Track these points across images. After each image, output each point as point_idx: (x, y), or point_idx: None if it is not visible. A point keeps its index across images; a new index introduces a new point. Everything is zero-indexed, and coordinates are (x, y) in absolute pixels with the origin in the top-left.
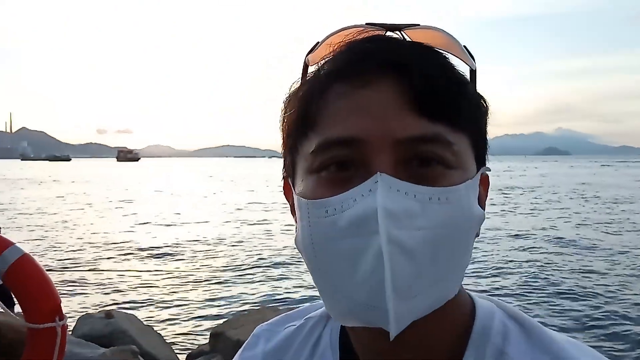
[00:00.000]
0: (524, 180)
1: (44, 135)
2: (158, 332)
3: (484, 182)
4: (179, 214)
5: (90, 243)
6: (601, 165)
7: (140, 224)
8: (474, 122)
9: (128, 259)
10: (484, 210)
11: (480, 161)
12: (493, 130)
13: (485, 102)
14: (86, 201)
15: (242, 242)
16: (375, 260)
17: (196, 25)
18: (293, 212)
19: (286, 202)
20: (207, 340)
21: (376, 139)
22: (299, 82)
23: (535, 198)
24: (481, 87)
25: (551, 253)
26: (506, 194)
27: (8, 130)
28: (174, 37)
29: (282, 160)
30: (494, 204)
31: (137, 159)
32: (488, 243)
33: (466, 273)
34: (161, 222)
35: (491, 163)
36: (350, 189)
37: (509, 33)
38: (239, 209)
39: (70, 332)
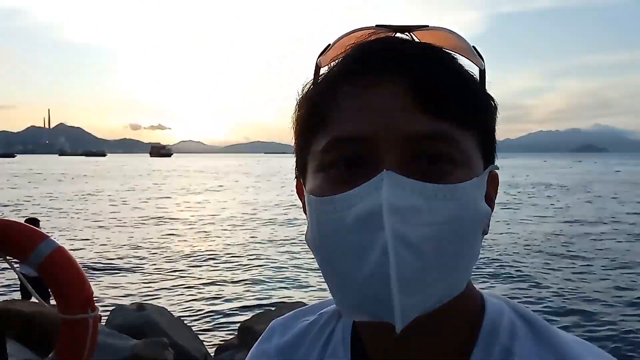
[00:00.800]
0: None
1: (81, 131)
2: (188, 325)
3: (493, 180)
4: (211, 211)
5: (125, 236)
6: None
7: (172, 219)
8: (481, 121)
9: (160, 254)
10: (493, 208)
11: (488, 159)
12: (527, 127)
13: (493, 102)
14: (122, 195)
15: (274, 240)
16: (381, 256)
17: (231, 23)
18: (305, 212)
19: None
20: (235, 334)
21: (383, 137)
22: (311, 83)
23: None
24: (514, 84)
25: None
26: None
27: (46, 126)
28: (208, 34)
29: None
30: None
31: (169, 155)
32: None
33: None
34: (194, 218)
35: (525, 160)
36: (358, 186)
37: (545, 26)
38: (272, 205)
39: (103, 323)
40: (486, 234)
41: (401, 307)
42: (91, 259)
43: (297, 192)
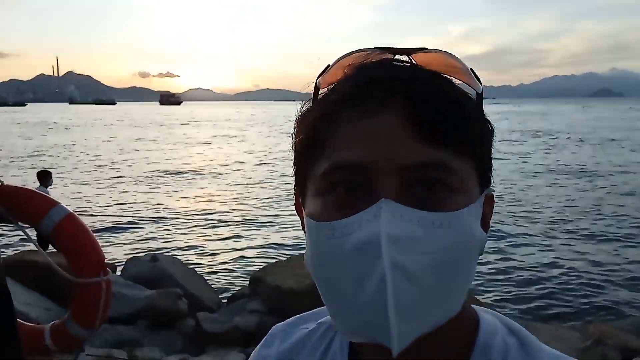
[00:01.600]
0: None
1: (90, 79)
2: (201, 275)
3: (489, 202)
4: (220, 159)
5: (137, 188)
6: None
7: (185, 171)
8: (478, 146)
9: (173, 207)
10: (488, 230)
11: (485, 183)
12: (542, 71)
13: (490, 125)
14: (132, 145)
15: (283, 188)
16: (379, 284)
17: None
18: (304, 229)
19: None
20: (247, 285)
21: (382, 165)
22: (310, 103)
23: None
24: (529, 27)
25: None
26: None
27: (55, 74)
28: None
29: None
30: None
31: (179, 103)
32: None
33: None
34: (203, 166)
35: (534, 105)
36: (357, 212)
37: None
38: (280, 154)
39: (119, 274)
40: (481, 254)
41: (398, 333)
42: (104, 211)
43: (295, 208)
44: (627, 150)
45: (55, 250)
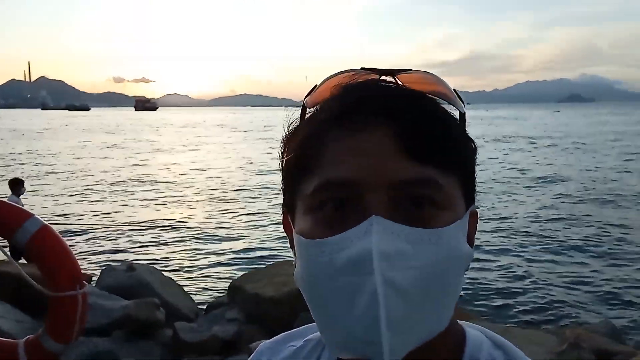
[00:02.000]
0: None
1: (63, 85)
2: (178, 284)
3: (473, 218)
4: (196, 166)
5: (112, 196)
6: None
7: (158, 179)
8: (462, 163)
9: (150, 214)
10: (473, 245)
11: (470, 199)
12: (515, 77)
13: (474, 144)
14: (106, 152)
15: (260, 195)
16: (371, 299)
17: None
18: (292, 246)
19: None
20: (225, 293)
21: (371, 182)
22: (297, 123)
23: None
24: (502, 34)
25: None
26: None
27: (27, 79)
28: None
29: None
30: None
31: (155, 108)
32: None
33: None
34: (179, 173)
35: (507, 110)
36: (347, 229)
37: None
38: (257, 161)
39: (94, 284)
40: (467, 270)
41: (390, 347)
42: (79, 220)
43: (284, 226)
44: (590, 155)
45: (26, 262)
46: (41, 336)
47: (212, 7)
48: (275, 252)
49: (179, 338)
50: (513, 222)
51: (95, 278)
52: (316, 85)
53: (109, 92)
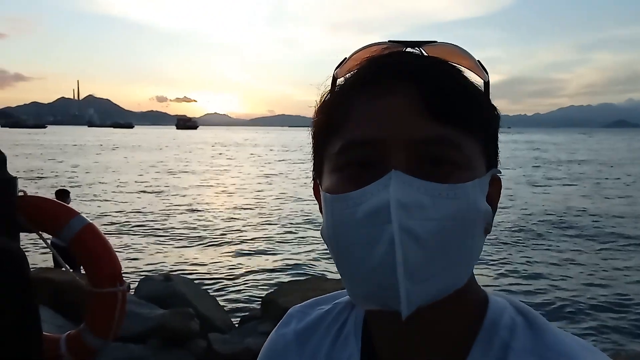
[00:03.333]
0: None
1: (109, 103)
2: (213, 296)
3: (496, 184)
4: (238, 184)
5: (153, 209)
6: None
7: (200, 192)
8: (484, 127)
9: (188, 227)
10: (495, 209)
11: (491, 164)
12: (558, 101)
13: (497, 112)
14: (150, 167)
15: (296, 212)
16: (389, 246)
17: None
18: (321, 211)
19: None
20: (259, 306)
21: (393, 141)
22: (328, 93)
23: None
24: (545, 57)
25: None
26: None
27: (75, 98)
28: (235, 6)
29: None
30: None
31: (195, 127)
32: None
33: None
34: (220, 190)
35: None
36: (369, 184)
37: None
38: (293, 177)
39: (132, 293)
40: (489, 232)
41: (407, 294)
42: (120, 230)
43: (314, 193)
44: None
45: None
46: (82, 331)
47: (252, 30)
48: (309, 268)
49: (212, 349)
50: (559, 246)
51: (133, 287)
52: (346, 58)
53: (152, 110)
